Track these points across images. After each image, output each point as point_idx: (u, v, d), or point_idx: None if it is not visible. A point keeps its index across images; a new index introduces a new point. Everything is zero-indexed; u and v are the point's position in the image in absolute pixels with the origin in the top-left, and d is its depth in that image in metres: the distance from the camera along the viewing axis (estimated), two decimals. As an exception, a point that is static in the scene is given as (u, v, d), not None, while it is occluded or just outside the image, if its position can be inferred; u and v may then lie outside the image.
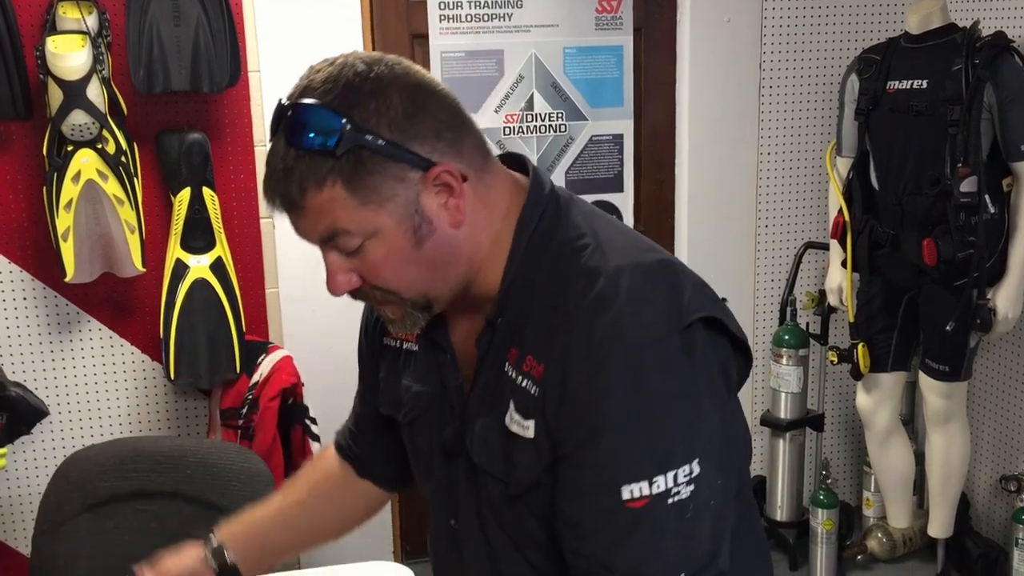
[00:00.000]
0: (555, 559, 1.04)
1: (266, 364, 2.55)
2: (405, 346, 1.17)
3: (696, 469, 0.95)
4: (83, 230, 2.40)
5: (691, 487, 0.95)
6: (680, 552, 0.96)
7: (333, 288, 1.02)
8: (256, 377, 2.53)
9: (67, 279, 2.41)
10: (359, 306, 1.39)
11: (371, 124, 0.94)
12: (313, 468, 1.41)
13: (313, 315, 2.70)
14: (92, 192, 2.36)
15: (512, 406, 1.02)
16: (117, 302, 2.63)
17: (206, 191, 2.50)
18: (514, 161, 1.12)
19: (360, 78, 0.95)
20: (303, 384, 2.59)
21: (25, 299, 2.58)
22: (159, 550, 1.88)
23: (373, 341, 1.24)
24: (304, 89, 0.96)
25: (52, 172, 2.35)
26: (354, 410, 1.36)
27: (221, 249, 2.52)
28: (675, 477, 0.94)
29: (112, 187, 2.38)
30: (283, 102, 0.97)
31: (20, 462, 2.65)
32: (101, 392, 2.68)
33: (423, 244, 0.98)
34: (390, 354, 1.21)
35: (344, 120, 0.93)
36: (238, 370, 2.51)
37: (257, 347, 2.59)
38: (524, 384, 1.01)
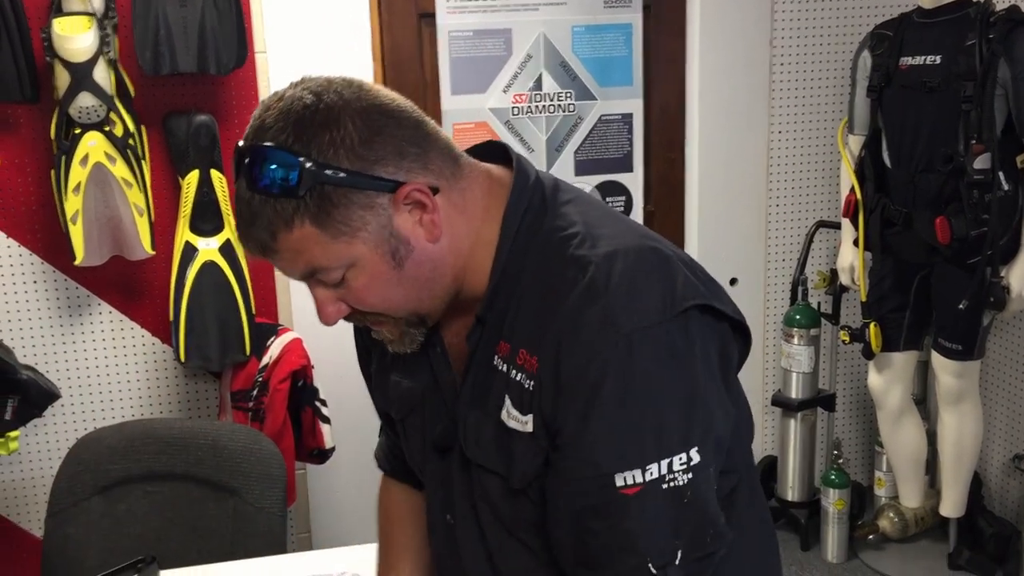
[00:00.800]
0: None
1: (276, 346, 2.55)
2: None
3: (695, 457, 0.94)
4: (92, 213, 2.40)
5: (688, 475, 0.94)
6: (675, 535, 0.95)
7: (324, 319, 1.02)
8: (266, 359, 2.53)
9: (77, 262, 2.41)
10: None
11: (329, 157, 0.91)
12: (386, 514, 1.37)
13: (322, 297, 2.69)
14: (100, 175, 2.36)
15: (508, 401, 1.01)
16: (127, 285, 2.64)
17: (214, 173, 2.49)
18: (497, 149, 1.10)
19: (310, 111, 0.93)
20: (313, 366, 2.59)
21: (35, 282, 2.59)
22: (170, 532, 1.90)
23: (366, 334, 1.23)
24: (257, 130, 0.94)
25: (60, 155, 2.35)
26: (381, 423, 1.35)
27: (230, 231, 2.51)
28: (670, 464, 0.93)
29: (120, 170, 2.37)
30: (239, 144, 0.95)
31: (32, 445, 2.67)
32: (112, 375, 2.69)
33: (404, 265, 0.98)
34: (380, 347, 1.19)
35: (301, 158, 0.91)
36: (248, 352, 2.51)
37: (267, 329, 2.59)
38: (518, 378, 1.00)
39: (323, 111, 0.93)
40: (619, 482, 0.94)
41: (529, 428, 0.99)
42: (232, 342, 2.50)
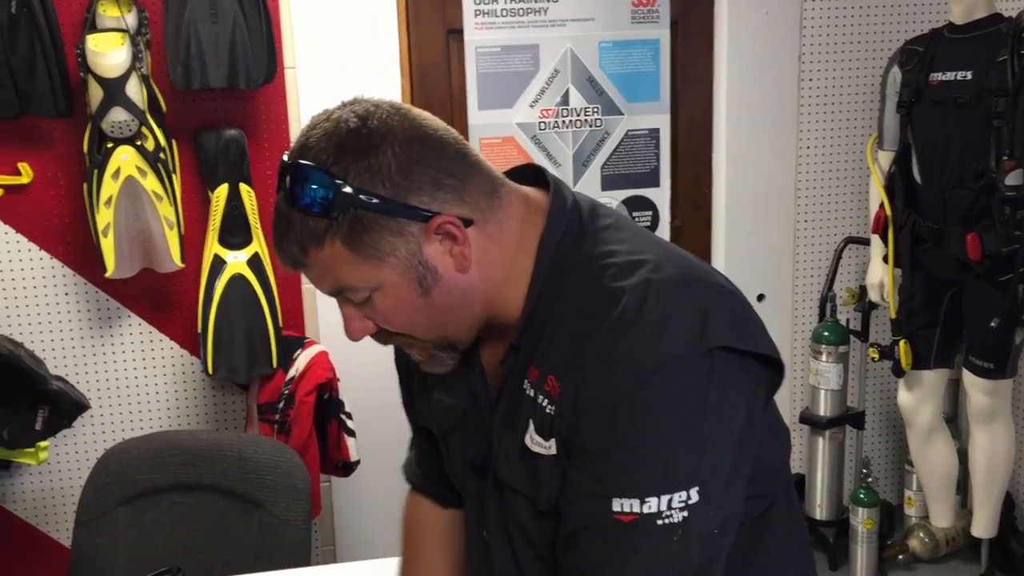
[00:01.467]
0: None
1: (302, 359, 2.56)
2: None
3: (694, 497, 0.93)
4: (123, 226, 2.43)
5: (684, 513, 0.93)
6: (658, 569, 0.95)
7: (350, 335, 1.04)
8: (292, 372, 2.55)
9: (107, 274, 2.43)
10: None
11: (364, 182, 0.94)
12: (412, 533, 1.36)
13: (349, 310, 2.70)
14: (131, 188, 2.39)
15: (531, 426, 1.02)
16: (156, 297, 2.66)
17: (243, 187, 2.52)
18: (534, 172, 1.10)
19: (353, 135, 0.95)
20: (339, 379, 2.60)
21: (67, 294, 2.62)
22: (195, 543, 1.91)
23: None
24: (301, 148, 0.97)
25: (92, 169, 2.38)
26: (413, 433, 1.35)
27: (258, 245, 2.53)
28: (669, 501, 0.93)
29: (151, 183, 2.40)
30: (283, 159, 0.98)
31: (62, 455, 2.69)
32: (141, 386, 2.71)
33: (430, 292, 0.99)
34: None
35: (338, 181, 0.93)
36: (275, 365, 2.53)
37: (293, 342, 2.61)
38: (542, 403, 1.01)
39: (365, 136, 0.95)
40: (615, 507, 0.94)
41: (552, 451, 1.00)
42: (259, 355, 2.52)
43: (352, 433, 2.60)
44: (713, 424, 0.95)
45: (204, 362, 2.50)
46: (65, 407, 2.48)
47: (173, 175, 2.47)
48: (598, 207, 1.08)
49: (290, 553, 1.87)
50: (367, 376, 2.62)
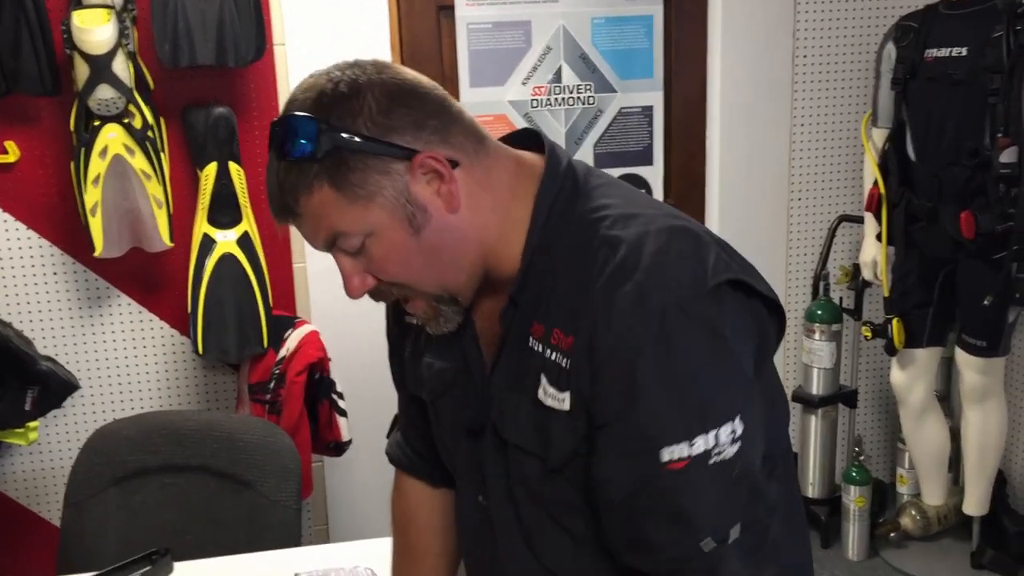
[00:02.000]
0: (597, 526, 1.03)
1: (293, 338, 2.55)
2: None
3: (739, 428, 0.94)
4: (111, 205, 2.41)
5: (736, 446, 0.94)
6: (728, 510, 0.96)
7: (350, 291, 1.04)
8: (283, 352, 2.54)
9: (96, 254, 2.41)
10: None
11: (347, 123, 0.96)
12: (403, 518, 1.35)
13: (340, 290, 2.68)
14: (119, 167, 2.36)
15: (544, 380, 1.01)
16: (146, 277, 2.64)
17: (232, 166, 2.49)
18: (530, 137, 1.11)
19: (333, 83, 0.98)
20: (330, 359, 2.59)
21: (55, 274, 2.60)
22: (185, 524, 1.90)
23: (398, 320, 1.25)
24: (288, 105, 1.00)
25: (80, 147, 2.35)
26: (400, 412, 1.35)
27: (248, 224, 2.51)
28: (716, 436, 0.93)
29: (139, 162, 2.38)
30: (272, 121, 1.00)
31: (52, 435, 2.68)
32: (131, 366, 2.70)
33: (421, 232, 0.99)
34: (412, 332, 1.21)
35: (322, 125, 0.95)
36: (265, 344, 2.51)
37: (284, 321, 2.59)
38: (554, 357, 1.00)
39: (346, 83, 0.98)
40: (664, 457, 0.93)
41: (566, 406, 1.00)
42: (250, 334, 2.50)
43: (344, 413, 2.59)
44: (735, 354, 0.96)
45: (194, 342, 2.49)
46: (55, 387, 2.47)
47: (161, 153, 2.44)
48: (592, 169, 1.10)
49: (280, 533, 1.86)
50: (358, 355, 2.61)
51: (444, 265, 1.02)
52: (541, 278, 1.03)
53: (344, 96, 0.97)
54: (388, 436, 1.39)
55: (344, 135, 0.95)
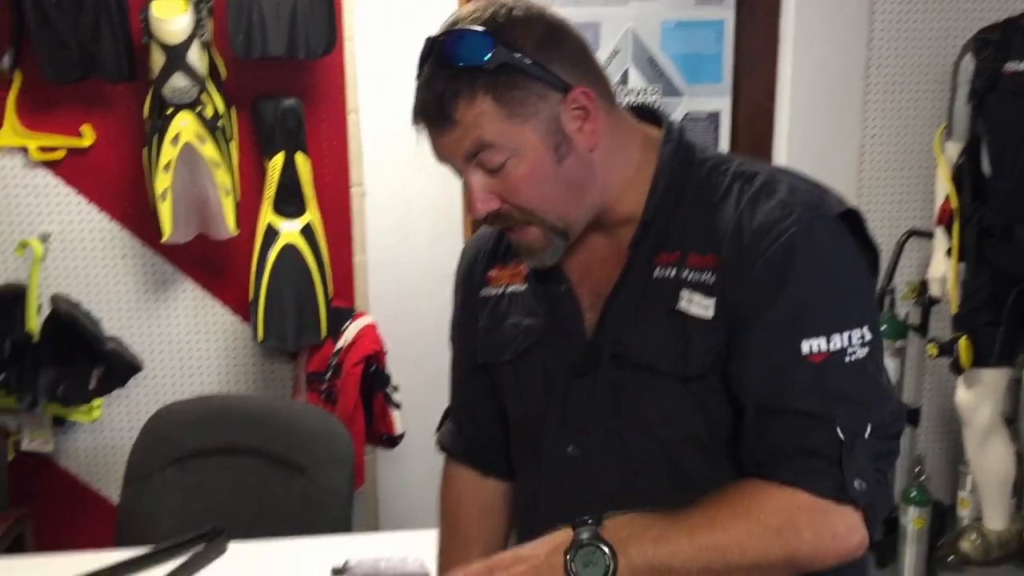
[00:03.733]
0: (712, 459, 1.06)
1: (351, 330, 2.57)
2: (509, 289, 1.20)
3: (868, 335, 1.00)
4: (180, 191, 2.45)
5: (866, 349, 1.00)
6: (863, 406, 0.99)
7: (475, 210, 1.07)
8: (341, 343, 2.56)
9: (163, 239, 2.46)
10: (445, 277, 1.38)
11: (518, 44, 1.02)
12: (454, 505, 1.35)
13: (399, 284, 2.71)
14: (190, 154, 2.41)
15: (685, 293, 1.05)
16: (211, 263, 2.69)
17: (299, 156, 2.53)
18: (645, 113, 1.17)
19: (506, 9, 1.04)
20: (386, 352, 2.61)
21: (124, 257, 2.66)
22: (239, 506, 1.93)
23: (470, 299, 1.26)
24: (452, 23, 1.04)
25: (152, 133, 2.40)
26: (454, 399, 1.35)
27: (311, 215, 2.54)
28: (850, 338, 0.99)
29: (209, 150, 2.42)
30: (429, 36, 1.04)
31: (115, 414, 2.74)
32: (192, 350, 2.74)
33: (563, 162, 1.04)
34: (491, 303, 1.23)
35: (494, 39, 1.01)
36: (324, 335, 2.54)
37: (343, 313, 2.62)
38: (691, 277, 1.05)
39: (518, 10, 1.04)
40: (805, 349, 0.99)
41: (710, 313, 1.03)
42: (309, 324, 2.53)
43: (398, 406, 2.60)
44: (865, 272, 1.06)
45: (254, 328, 2.53)
46: (119, 368, 2.53)
47: (231, 142, 2.48)
48: (702, 144, 1.16)
49: (331, 520, 1.87)
50: (414, 349, 2.62)
51: (573, 197, 1.06)
52: (668, 214, 1.08)
53: (518, 20, 1.03)
54: (438, 430, 1.39)
55: (516, 54, 1.00)
